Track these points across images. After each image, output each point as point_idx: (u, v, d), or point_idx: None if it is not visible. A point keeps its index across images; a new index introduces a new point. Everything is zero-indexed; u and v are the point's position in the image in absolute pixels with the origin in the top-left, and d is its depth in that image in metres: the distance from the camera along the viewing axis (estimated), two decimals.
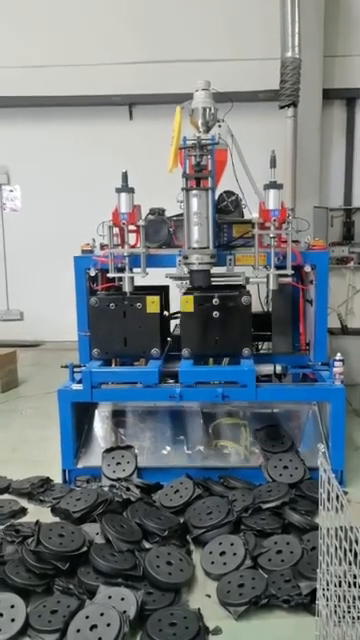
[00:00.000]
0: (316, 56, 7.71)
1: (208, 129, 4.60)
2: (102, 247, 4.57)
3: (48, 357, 7.71)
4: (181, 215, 4.34)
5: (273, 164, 4.23)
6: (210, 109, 4.59)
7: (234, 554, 3.11)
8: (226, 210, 4.67)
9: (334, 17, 8.00)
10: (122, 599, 2.71)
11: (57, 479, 4.11)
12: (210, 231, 4.16)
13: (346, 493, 3.77)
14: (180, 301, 4.25)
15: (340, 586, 2.13)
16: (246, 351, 4.18)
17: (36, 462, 4.42)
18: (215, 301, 4.15)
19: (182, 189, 4.18)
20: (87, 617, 2.59)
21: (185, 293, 4.27)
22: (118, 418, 4.48)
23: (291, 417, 4.39)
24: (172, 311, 5.17)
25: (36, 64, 8.15)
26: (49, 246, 8.35)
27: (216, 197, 4.49)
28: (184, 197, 4.17)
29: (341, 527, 2.09)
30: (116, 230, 4.34)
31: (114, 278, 4.43)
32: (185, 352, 4.22)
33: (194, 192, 4.12)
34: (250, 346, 4.24)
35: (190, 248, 4.19)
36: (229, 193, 4.72)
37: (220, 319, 4.17)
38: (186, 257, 4.24)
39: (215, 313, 4.16)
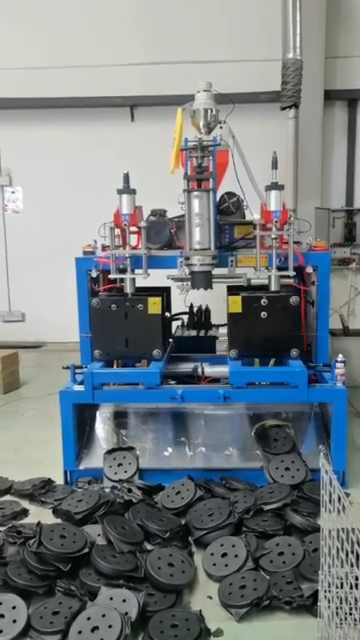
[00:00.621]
0: (317, 57, 7.72)
1: (210, 130, 4.60)
2: (104, 248, 4.57)
3: (50, 358, 7.71)
4: (182, 216, 4.34)
5: (275, 165, 4.23)
6: (211, 110, 4.60)
7: (236, 556, 3.10)
8: (227, 211, 4.67)
9: (335, 18, 8.00)
10: (123, 600, 2.71)
11: (59, 480, 4.11)
12: (211, 232, 4.16)
13: (348, 495, 3.77)
14: (228, 302, 4.20)
15: (342, 588, 2.13)
16: (294, 352, 4.14)
17: (38, 463, 4.43)
18: (263, 301, 4.12)
19: (184, 191, 4.18)
20: (88, 618, 2.58)
21: (231, 294, 4.24)
22: (120, 419, 4.48)
23: (293, 418, 4.38)
24: (173, 312, 5.18)
25: (38, 66, 8.15)
26: (51, 247, 8.36)
27: (217, 198, 4.49)
28: (185, 198, 4.17)
29: (343, 529, 2.09)
30: (117, 231, 4.34)
31: (116, 279, 4.43)
32: (233, 353, 4.19)
33: (195, 193, 4.12)
34: (299, 347, 4.19)
35: (191, 249, 4.19)
36: (230, 194, 4.72)
37: (268, 319, 4.13)
38: (187, 258, 4.24)
39: (263, 313, 4.13)
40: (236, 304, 4.16)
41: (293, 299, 4.13)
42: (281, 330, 4.14)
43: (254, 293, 4.23)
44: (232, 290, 4.33)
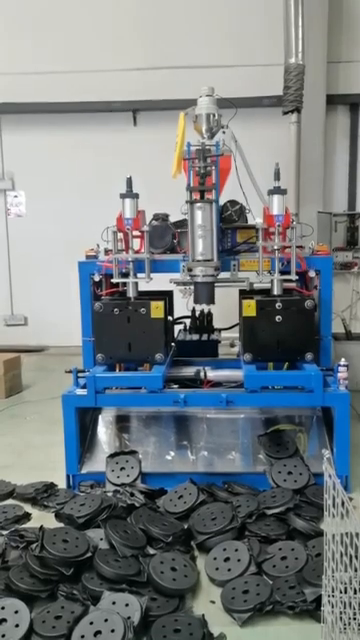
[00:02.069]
0: (320, 62, 7.75)
1: (212, 135, 4.62)
2: (106, 252, 4.58)
3: (52, 362, 7.72)
4: (184, 221, 4.35)
5: (277, 177, 4.23)
6: (214, 115, 4.62)
7: (238, 560, 3.09)
8: (230, 219, 4.67)
9: (338, 23, 8.04)
10: (126, 605, 2.70)
11: (61, 484, 4.10)
12: (214, 243, 4.16)
13: (351, 499, 3.76)
14: (242, 306, 4.21)
15: (346, 593, 2.12)
16: (309, 355, 4.15)
17: (40, 467, 4.42)
18: (278, 305, 4.12)
19: (186, 202, 4.18)
20: (91, 623, 2.58)
21: (244, 297, 4.25)
22: (122, 423, 4.47)
23: (295, 422, 4.38)
24: (176, 316, 5.19)
25: (41, 71, 8.20)
26: (53, 251, 8.38)
27: (220, 203, 4.50)
28: (188, 210, 4.18)
29: (346, 533, 2.08)
30: (120, 235, 4.35)
31: (118, 283, 4.43)
32: (247, 357, 4.19)
33: (198, 205, 4.12)
34: (314, 350, 4.19)
35: (194, 260, 4.19)
36: (233, 203, 4.71)
37: (283, 323, 4.14)
38: (190, 269, 4.24)
39: (278, 317, 4.13)
40: (250, 308, 4.16)
41: (308, 303, 4.14)
42: (296, 334, 4.14)
43: (268, 297, 4.23)
44: (245, 294, 4.33)
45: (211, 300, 4.32)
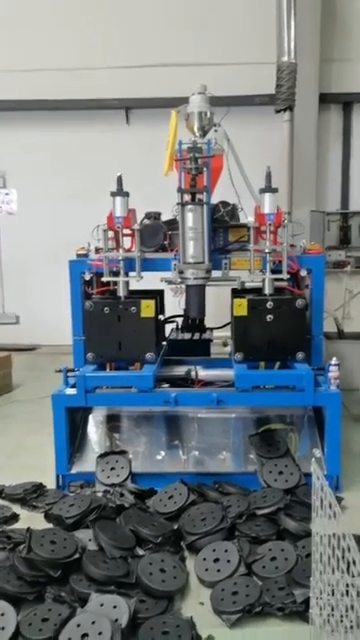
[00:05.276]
0: (312, 60, 7.74)
1: (204, 133, 4.60)
2: (97, 251, 4.55)
3: (44, 361, 7.68)
4: (176, 220, 4.32)
5: (268, 180, 4.21)
6: (206, 113, 4.60)
7: (228, 561, 3.07)
8: (222, 220, 4.65)
9: (330, 21, 8.03)
10: (114, 607, 2.67)
11: (51, 485, 4.07)
12: (205, 246, 4.14)
13: (342, 499, 3.75)
14: (233, 305, 4.19)
15: (334, 595, 2.11)
16: (300, 355, 4.13)
17: (30, 467, 4.39)
18: (269, 304, 4.11)
19: (177, 204, 4.16)
20: (78, 625, 2.55)
21: (236, 296, 4.22)
22: (112, 423, 4.45)
23: (287, 422, 4.37)
24: (167, 315, 5.16)
25: (33, 68, 8.15)
26: (45, 249, 8.35)
27: (213, 202, 4.47)
28: (179, 212, 4.15)
29: (334, 534, 2.07)
30: (111, 234, 4.32)
31: (109, 282, 4.40)
32: (238, 356, 4.17)
33: (189, 207, 4.10)
34: (305, 350, 4.18)
35: (185, 263, 4.17)
36: (224, 203, 4.69)
37: (274, 322, 4.12)
38: (181, 272, 4.22)
39: (269, 317, 4.12)
40: (241, 307, 4.14)
41: (299, 302, 4.12)
42: (287, 333, 4.13)
43: (259, 296, 4.21)
44: (236, 293, 4.31)
45: (202, 311, 4.30)
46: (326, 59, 8.05)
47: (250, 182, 4.86)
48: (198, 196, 4.14)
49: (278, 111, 7.23)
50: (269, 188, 4.18)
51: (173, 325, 5.43)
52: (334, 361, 4.01)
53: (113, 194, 4.25)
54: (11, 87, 8.17)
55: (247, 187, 4.86)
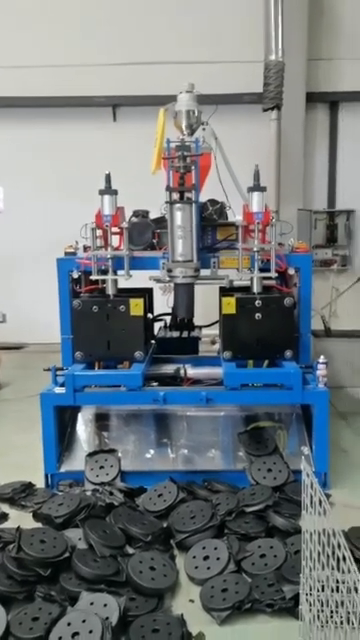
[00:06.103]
0: (300, 59, 7.75)
1: (192, 132, 4.60)
2: (85, 249, 4.53)
3: (32, 359, 7.62)
4: (164, 218, 4.32)
5: (257, 178, 4.22)
6: (194, 112, 4.60)
7: (217, 558, 3.09)
8: (210, 219, 4.66)
9: (318, 20, 8.04)
10: (104, 605, 2.68)
11: (40, 484, 4.06)
12: (194, 244, 4.14)
13: (329, 496, 3.78)
14: (221, 303, 4.19)
15: (323, 591, 2.13)
16: (288, 353, 4.15)
17: (19, 466, 4.36)
18: (257, 303, 4.12)
19: (166, 202, 4.15)
20: (69, 624, 2.55)
21: (224, 295, 4.23)
22: (101, 421, 4.44)
23: (275, 419, 4.39)
24: (156, 313, 5.16)
25: (19, 65, 8.08)
26: (32, 247, 8.28)
27: (201, 200, 4.48)
28: (168, 210, 4.15)
29: (323, 531, 2.09)
30: (99, 232, 4.31)
31: (98, 281, 4.39)
32: (227, 354, 4.18)
33: (178, 206, 4.10)
34: (293, 348, 4.20)
35: (174, 261, 4.17)
36: (213, 202, 4.69)
37: (262, 321, 4.13)
38: (170, 270, 4.22)
39: (257, 315, 4.13)
40: (230, 305, 4.16)
41: (287, 300, 4.14)
42: (275, 331, 4.15)
43: (247, 294, 4.22)
44: (225, 291, 4.32)
45: (190, 311, 4.30)
46: (313, 58, 8.07)
47: (238, 180, 4.87)
48: (186, 194, 4.15)
49: (266, 110, 7.24)
50: (258, 187, 4.20)
51: (161, 323, 5.44)
52: (322, 359, 4.04)
53: (101, 192, 4.24)
54: None
55: (235, 185, 4.87)
